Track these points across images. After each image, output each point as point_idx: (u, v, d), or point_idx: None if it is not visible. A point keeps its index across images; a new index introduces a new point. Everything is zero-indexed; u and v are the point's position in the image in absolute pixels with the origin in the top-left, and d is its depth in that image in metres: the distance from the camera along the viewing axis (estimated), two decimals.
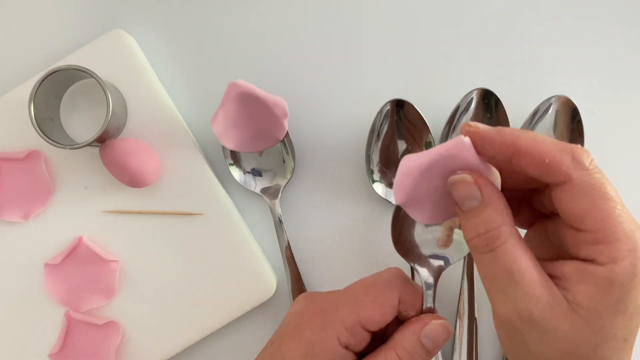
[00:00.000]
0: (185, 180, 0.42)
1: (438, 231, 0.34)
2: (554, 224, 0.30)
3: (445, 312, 0.42)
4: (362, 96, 0.44)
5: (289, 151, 0.43)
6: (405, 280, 0.32)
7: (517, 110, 0.42)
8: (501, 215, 0.27)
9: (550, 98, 0.41)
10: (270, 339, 0.34)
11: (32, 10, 0.45)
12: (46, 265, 0.42)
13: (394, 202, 0.30)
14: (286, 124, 0.40)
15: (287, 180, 0.43)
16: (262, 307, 0.43)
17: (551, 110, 0.41)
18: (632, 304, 0.26)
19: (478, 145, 0.27)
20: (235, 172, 0.43)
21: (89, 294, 0.42)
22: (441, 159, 0.27)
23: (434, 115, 0.42)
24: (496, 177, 0.28)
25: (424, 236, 0.34)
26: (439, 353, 0.41)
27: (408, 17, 0.44)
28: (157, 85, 0.43)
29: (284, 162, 0.43)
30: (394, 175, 0.32)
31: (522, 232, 0.30)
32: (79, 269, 0.42)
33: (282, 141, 0.43)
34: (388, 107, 0.42)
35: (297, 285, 0.42)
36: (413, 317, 0.32)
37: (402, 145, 0.42)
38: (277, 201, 0.43)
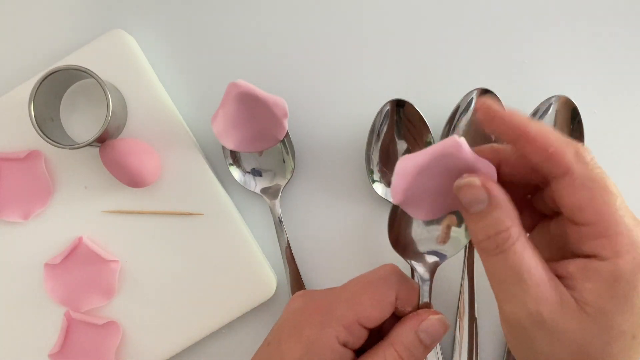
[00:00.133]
0: (185, 180, 0.42)
1: (436, 229, 0.34)
2: (557, 224, 0.30)
3: (445, 312, 0.42)
4: (362, 96, 0.44)
5: (289, 151, 0.43)
6: (402, 277, 0.32)
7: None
8: (509, 217, 0.27)
9: (550, 98, 0.41)
10: (266, 339, 0.33)
11: (32, 10, 0.45)
12: (46, 265, 0.42)
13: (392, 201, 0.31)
14: (286, 124, 0.40)
15: (287, 180, 0.43)
16: (262, 307, 0.43)
17: (551, 110, 0.41)
18: (639, 300, 0.26)
19: (489, 121, 0.28)
20: (235, 172, 0.43)
21: (89, 294, 0.42)
22: (437, 158, 0.28)
23: (434, 115, 0.42)
24: (493, 173, 0.28)
25: (421, 233, 0.34)
26: (440, 353, 0.41)
27: (408, 17, 0.44)
28: (157, 85, 0.43)
29: (284, 162, 0.43)
30: None
31: None
32: (79, 269, 0.42)
33: (282, 141, 0.43)
34: (388, 107, 0.42)
35: (297, 285, 0.42)
36: (410, 312, 0.32)
37: (402, 145, 0.42)
38: (277, 201, 0.43)
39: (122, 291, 0.42)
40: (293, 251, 0.43)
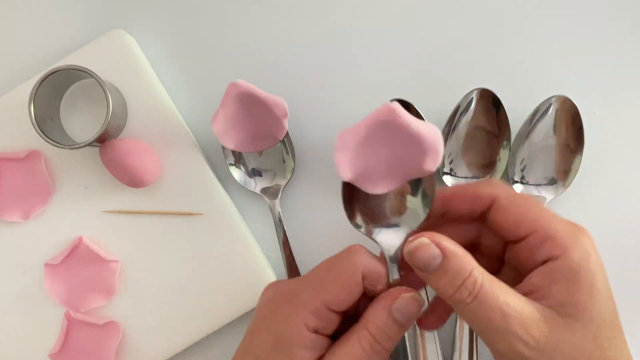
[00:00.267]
0: (185, 180, 0.42)
1: (390, 199, 0.33)
2: (510, 252, 0.32)
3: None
4: (362, 96, 0.44)
5: (289, 151, 0.43)
6: (367, 255, 0.31)
7: (517, 110, 0.42)
8: (467, 261, 0.28)
9: (550, 98, 0.41)
10: (245, 334, 0.33)
11: (32, 11, 0.45)
12: (46, 265, 0.42)
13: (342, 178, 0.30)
14: (286, 124, 0.40)
15: (287, 180, 0.43)
16: None
17: (551, 110, 0.41)
18: (602, 285, 0.28)
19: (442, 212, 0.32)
20: (235, 172, 0.43)
21: (89, 294, 0.42)
22: (375, 127, 0.27)
23: (434, 115, 0.42)
24: (438, 138, 0.29)
25: (377, 207, 0.33)
26: (440, 353, 0.41)
27: (408, 17, 0.44)
28: (157, 85, 0.43)
29: (284, 162, 0.43)
30: None
31: None
32: (79, 269, 0.42)
33: (282, 141, 0.43)
34: None
35: None
36: (380, 290, 0.31)
37: None
38: (277, 201, 0.43)
39: (122, 291, 0.42)
40: (293, 251, 0.43)
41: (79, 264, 0.42)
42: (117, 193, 0.42)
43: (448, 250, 0.28)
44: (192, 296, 0.42)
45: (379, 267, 0.31)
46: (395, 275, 0.31)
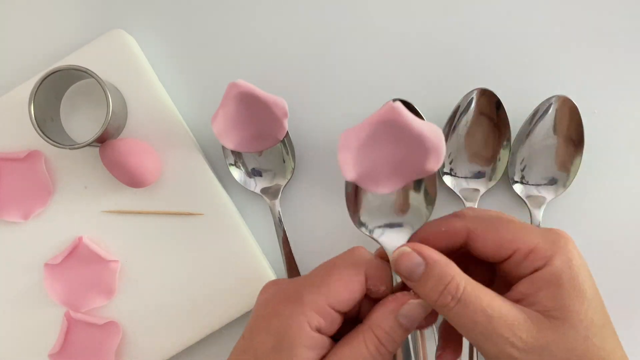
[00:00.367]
0: (185, 180, 0.42)
1: (392, 198, 0.33)
2: (498, 269, 0.33)
3: None
4: (362, 96, 0.44)
5: (289, 151, 0.43)
6: (369, 256, 0.32)
7: (517, 110, 0.42)
8: (449, 267, 0.29)
9: (550, 98, 0.41)
10: (243, 333, 0.33)
11: (32, 10, 0.45)
12: (46, 265, 0.42)
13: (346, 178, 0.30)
14: (286, 124, 0.40)
15: (287, 180, 0.43)
16: None
17: (551, 110, 0.41)
18: (587, 287, 0.29)
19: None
20: (235, 172, 0.43)
21: (89, 294, 0.42)
22: (378, 127, 0.28)
23: (434, 115, 0.42)
24: (439, 136, 0.29)
25: (380, 206, 0.33)
26: None
27: (408, 17, 0.44)
28: (157, 85, 0.43)
29: (284, 162, 0.43)
30: None
31: None
32: (79, 269, 0.42)
33: (282, 141, 0.43)
34: None
35: None
36: (384, 291, 0.31)
37: None
38: (277, 201, 0.43)
39: (122, 291, 0.42)
40: (293, 251, 0.43)
41: (78, 264, 0.42)
42: (117, 193, 0.42)
43: (430, 258, 0.29)
44: (192, 296, 0.42)
45: (382, 268, 0.31)
46: (399, 278, 0.32)
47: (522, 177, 0.42)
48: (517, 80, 0.44)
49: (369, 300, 0.32)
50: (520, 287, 0.30)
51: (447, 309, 0.29)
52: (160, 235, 0.42)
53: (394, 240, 0.32)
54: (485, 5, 0.44)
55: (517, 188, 0.42)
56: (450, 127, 0.42)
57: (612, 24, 0.44)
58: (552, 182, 0.42)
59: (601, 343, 0.28)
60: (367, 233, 0.33)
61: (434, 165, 0.29)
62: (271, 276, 0.42)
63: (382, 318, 0.30)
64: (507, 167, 0.42)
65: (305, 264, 0.43)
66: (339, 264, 0.31)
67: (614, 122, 0.43)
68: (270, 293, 0.33)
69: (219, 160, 0.44)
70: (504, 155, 0.42)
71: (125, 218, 0.43)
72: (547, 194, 0.42)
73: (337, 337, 0.31)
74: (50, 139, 0.39)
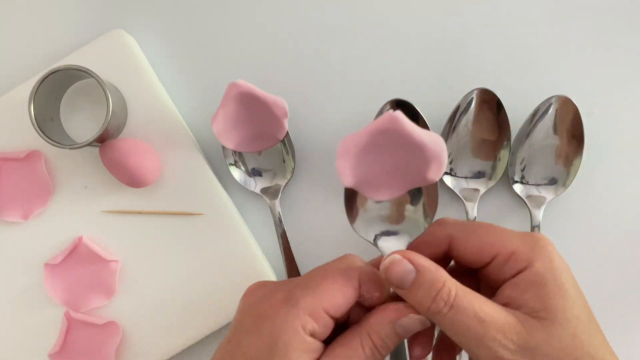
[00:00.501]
0: (185, 180, 0.42)
1: (389, 208, 0.33)
2: (481, 274, 0.33)
3: None
4: (362, 96, 0.44)
5: (289, 151, 0.43)
6: (361, 263, 0.32)
7: (517, 110, 0.42)
8: (439, 273, 0.29)
9: (550, 98, 0.41)
10: (227, 336, 0.32)
11: (32, 10, 0.45)
12: (46, 265, 0.42)
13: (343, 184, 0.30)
14: (286, 124, 0.40)
15: (287, 180, 0.43)
16: None
17: (551, 110, 0.41)
18: (570, 286, 0.30)
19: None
20: (235, 172, 0.43)
21: (89, 294, 0.42)
22: (377, 135, 0.28)
23: (434, 115, 0.42)
24: (441, 147, 0.29)
25: (379, 214, 0.33)
26: None
27: (408, 16, 0.44)
28: (157, 85, 0.43)
29: (284, 162, 0.43)
30: None
31: None
32: (79, 268, 0.42)
33: (282, 141, 0.43)
34: (388, 107, 0.42)
35: None
36: (377, 297, 0.31)
37: None
38: (277, 201, 0.43)
39: (122, 291, 0.42)
40: (293, 251, 0.43)
41: (78, 264, 0.42)
42: (117, 193, 0.42)
43: (421, 265, 0.30)
44: (192, 296, 0.42)
45: (375, 274, 0.31)
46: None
47: (522, 177, 0.42)
48: (517, 80, 0.44)
49: (360, 307, 0.32)
50: (506, 291, 0.30)
51: (440, 316, 0.29)
52: (160, 235, 0.42)
53: (392, 247, 0.33)
54: (485, 5, 0.44)
55: (517, 188, 0.42)
56: (450, 127, 0.42)
57: (612, 24, 0.44)
58: (552, 182, 0.42)
59: (589, 339, 0.29)
60: (366, 239, 0.33)
61: (435, 175, 0.29)
62: (271, 276, 0.42)
63: (380, 325, 0.30)
64: (507, 167, 0.42)
65: (305, 264, 0.43)
66: (333, 269, 0.31)
67: (614, 122, 0.43)
68: (260, 295, 0.32)
69: (219, 160, 0.44)
70: (504, 155, 0.42)
71: (125, 218, 0.43)
72: (547, 193, 0.42)
73: (326, 343, 0.31)
74: (50, 139, 0.39)
